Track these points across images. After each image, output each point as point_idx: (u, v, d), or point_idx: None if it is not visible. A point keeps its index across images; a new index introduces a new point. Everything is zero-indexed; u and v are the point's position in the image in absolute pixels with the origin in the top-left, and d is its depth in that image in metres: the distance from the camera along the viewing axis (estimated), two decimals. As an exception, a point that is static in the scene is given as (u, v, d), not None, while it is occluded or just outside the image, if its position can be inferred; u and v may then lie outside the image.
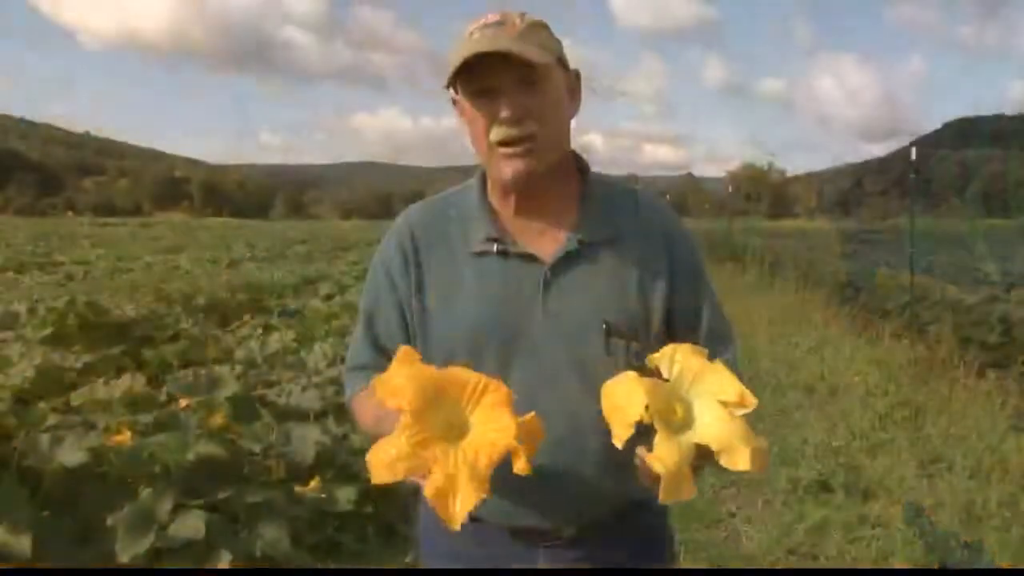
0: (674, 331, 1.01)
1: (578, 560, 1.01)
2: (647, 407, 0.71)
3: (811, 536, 2.87)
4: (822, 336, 6.59)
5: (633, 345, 0.96)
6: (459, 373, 0.78)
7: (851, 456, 3.71)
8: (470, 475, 0.70)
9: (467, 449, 0.72)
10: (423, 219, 1.04)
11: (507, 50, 0.89)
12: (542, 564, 1.01)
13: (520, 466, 0.71)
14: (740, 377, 0.98)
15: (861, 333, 6.63)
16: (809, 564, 2.68)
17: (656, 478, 0.76)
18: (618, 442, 0.72)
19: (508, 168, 0.95)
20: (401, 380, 0.76)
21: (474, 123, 0.97)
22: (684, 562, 2.58)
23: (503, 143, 0.94)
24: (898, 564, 2.45)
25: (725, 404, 0.76)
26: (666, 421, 0.74)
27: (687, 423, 0.76)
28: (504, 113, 0.93)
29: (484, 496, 0.70)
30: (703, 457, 0.78)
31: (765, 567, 2.61)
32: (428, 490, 0.71)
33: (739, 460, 0.73)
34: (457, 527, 0.70)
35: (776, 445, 3.90)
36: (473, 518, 0.96)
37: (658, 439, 0.72)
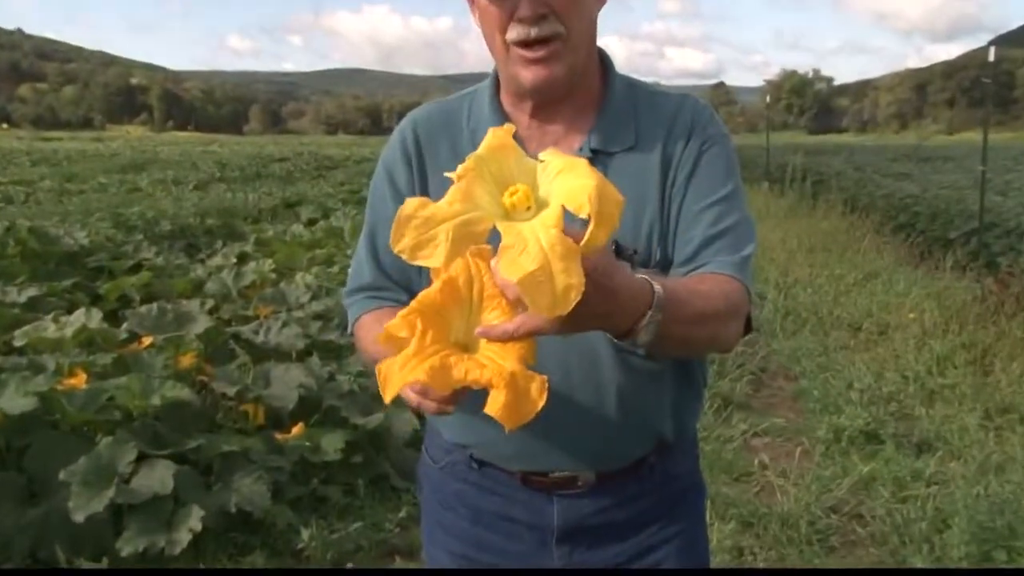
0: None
1: (597, 512, 1.02)
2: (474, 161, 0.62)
3: (856, 493, 2.86)
4: (872, 267, 6.49)
5: (640, 269, 0.93)
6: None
7: (904, 404, 3.68)
8: (433, 369, 0.66)
9: (456, 357, 0.69)
10: (429, 121, 1.05)
11: None
12: (557, 515, 1.02)
13: (491, 407, 0.66)
14: (742, 278, 0.92)
15: (918, 264, 6.54)
16: (854, 525, 2.68)
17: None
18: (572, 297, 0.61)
19: (527, 73, 0.94)
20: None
21: (487, 18, 0.95)
22: (709, 520, 2.58)
23: (521, 44, 0.92)
24: (958, 527, 2.42)
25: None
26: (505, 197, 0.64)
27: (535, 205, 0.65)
28: (523, 11, 0.91)
29: (422, 380, 0.66)
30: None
31: (804, 527, 2.60)
32: (392, 361, 0.67)
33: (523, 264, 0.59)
34: (387, 399, 0.69)
35: (816, 390, 3.89)
36: (480, 462, 1.03)
37: (502, 228, 0.61)
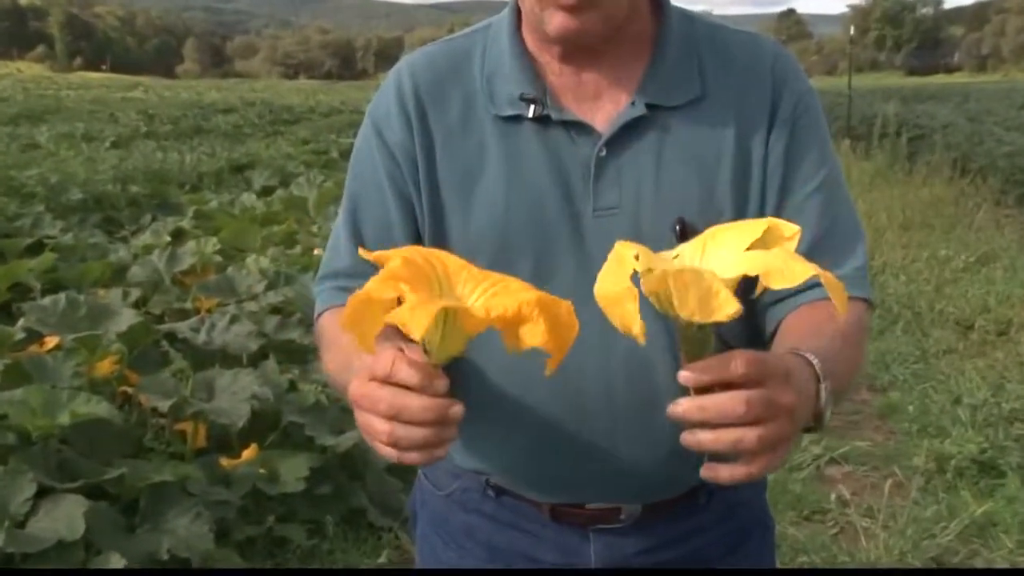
0: None
1: (644, 551, 1.04)
2: (637, 256, 0.72)
3: (968, 540, 2.85)
4: (989, 247, 6.48)
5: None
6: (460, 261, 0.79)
7: (1033, 425, 3.68)
8: (449, 309, 0.71)
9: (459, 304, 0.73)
10: (432, 67, 1.06)
11: None
12: (594, 556, 1.04)
13: (532, 337, 0.70)
14: (867, 294, 1.01)
15: (1053, 244, 6.52)
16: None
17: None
18: (635, 330, 0.70)
19: (553, 20, 0.95)
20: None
21: None
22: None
23: None
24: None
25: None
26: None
27: None
28: None
29: (448, 306, 0.70)
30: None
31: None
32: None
33: (795, 272, 0.70)
34: (417, 336, 0.68)
35: (912, 405, 3.89)
36: (498, 489, 1.05)
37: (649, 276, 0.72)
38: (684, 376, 0.72)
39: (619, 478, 1.01)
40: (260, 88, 48.61)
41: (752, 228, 0.76)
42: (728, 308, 0.67)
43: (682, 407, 0.71)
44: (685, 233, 0.95)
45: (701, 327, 0.71)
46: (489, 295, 0.75)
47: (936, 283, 5.64)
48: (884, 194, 8.81)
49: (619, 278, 0.71)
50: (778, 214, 0.99)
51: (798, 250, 0.95)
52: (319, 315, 1.07)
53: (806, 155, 1.00)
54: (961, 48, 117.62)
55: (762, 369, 0.71)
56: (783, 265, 0.70)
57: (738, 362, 0.71)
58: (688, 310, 0.68)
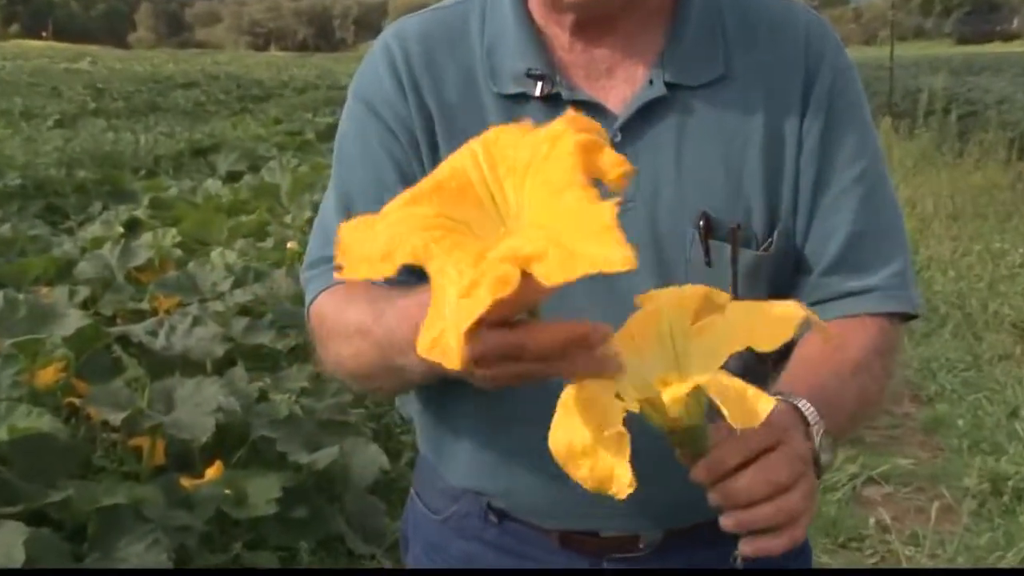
0: (798, 234, 1.03)
1: None
2: (618, 395, 0.74)
3: (1025, 566, 2.89)
4: (1049, 240, 6.53)
5: (746, 252, 0.98)
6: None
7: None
8: (488, 284, 0.62)
9: (497, 250, 0.65)
10: (425, 36, 1.06)
11: None
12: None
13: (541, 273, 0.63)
14: (900, 307, 1.02)
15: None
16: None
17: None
18: (623, 489, 0.71)
19: None
20: None
21: None
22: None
23: None
24: None
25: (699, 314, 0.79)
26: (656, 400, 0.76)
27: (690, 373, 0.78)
28: None
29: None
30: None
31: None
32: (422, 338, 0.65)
33: (777, 331, 0.73)
34: (456, 364, 0.63)
35: (962, 418, 3.90)
36: (501, 513, 1.07)
37: (666, 394, 0.73)
38: (695, 473, 0.79)
39: (638, 504, 0.99)
40: (225, 60, 48.53)
41: (684, 305, 0.78)
42: (767, 406, 0.70)
43: (719, 493, 0.79)
44: (709, 229, 0.97)
45: (690, 424, 0.76)
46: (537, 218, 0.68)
47: (990, 280, 5.66)
48: (930, 179, 8.84)
49: (586, 428, 0.72)
50: (813, 211, 1.01)
51: (831, 252, 1.02)
52: (313, 302, 1.04)
53: (844, 142, 1.01)
54: (1021, 13, 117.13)
55: (770, 430, 0.75)
56: (739, 399, 0.71)
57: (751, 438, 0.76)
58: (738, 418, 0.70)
